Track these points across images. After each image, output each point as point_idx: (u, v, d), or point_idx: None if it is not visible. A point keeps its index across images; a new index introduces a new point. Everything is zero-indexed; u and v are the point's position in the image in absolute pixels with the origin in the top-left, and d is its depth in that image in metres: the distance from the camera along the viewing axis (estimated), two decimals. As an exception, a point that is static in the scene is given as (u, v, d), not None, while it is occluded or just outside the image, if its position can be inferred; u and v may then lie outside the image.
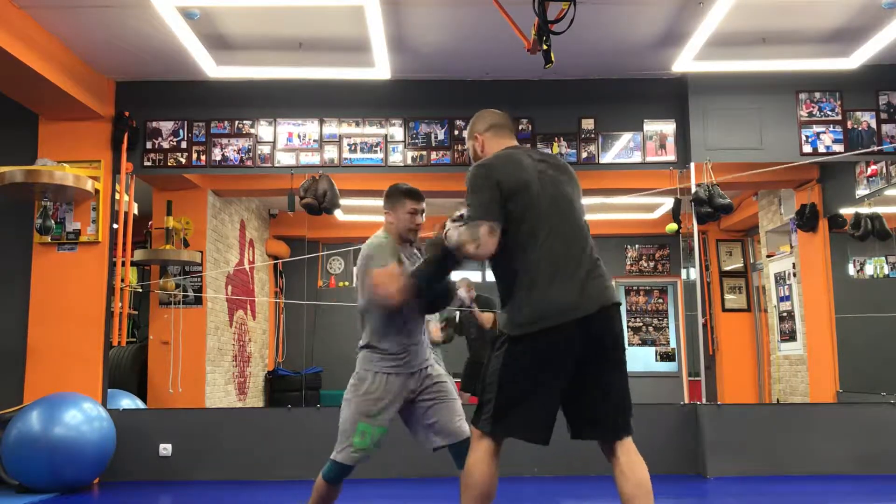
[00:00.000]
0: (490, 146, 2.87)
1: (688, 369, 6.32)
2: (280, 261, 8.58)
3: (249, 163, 5.71)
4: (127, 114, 5.61)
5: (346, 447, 3.13)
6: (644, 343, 8.81)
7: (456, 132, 5.73)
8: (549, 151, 2.75)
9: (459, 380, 6.65)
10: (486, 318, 6.55)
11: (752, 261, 8.01)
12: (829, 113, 5.62)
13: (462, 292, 6.44)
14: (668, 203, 6.19)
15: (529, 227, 2.59)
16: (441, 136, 5.73)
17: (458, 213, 2.78)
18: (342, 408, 3.25)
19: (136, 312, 7.18)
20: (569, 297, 2.54)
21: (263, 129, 5.73)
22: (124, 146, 5.57)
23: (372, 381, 3.13)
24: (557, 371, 2.56)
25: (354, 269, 3.33)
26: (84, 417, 4.85)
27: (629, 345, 8.76)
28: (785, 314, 7.06)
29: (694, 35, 4.89)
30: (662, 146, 5.73)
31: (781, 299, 7.13)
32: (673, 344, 8.66)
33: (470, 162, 2.93)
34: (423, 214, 3.33)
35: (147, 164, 5.71)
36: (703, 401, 5.57)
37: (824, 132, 5.60)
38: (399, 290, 3.04)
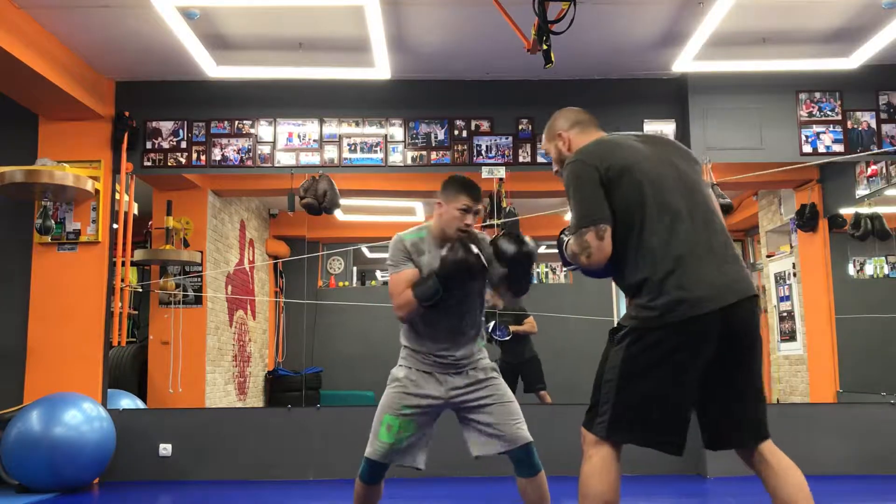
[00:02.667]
0: (578, 143, 2.59)
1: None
2: (280, 260, 8.58)
3: (249, 163, 5.71)
4: (127, 114, 5.61)
5: (372, 440, 2.92)
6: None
7: (456, 132, 5.73)
8: (655, 133, 2.59)
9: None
10: (528, 324, 6.48)
11: (751, 261, 8.01)
12: (829, 113, 5.62)
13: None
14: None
15: (646, 211, 2.31)
16: (441, 136, 5.73)
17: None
18: None
19: (136, 312, 7.18)
20: (701, 286, 2.24)
21: (263, 129, 5.73)
22: (124, 146, 5.57)
23: (404, 376, 2.94)
24: (688, 369, 2.27)
25: None
26: (84, 417, 4.85)
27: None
28: (785, 314, 7.06)
29: (694, 35, 4.89)
30: (662, 146, 5.72)
31: (781, 299, 7.13)
32: (673, 344, 8.64)
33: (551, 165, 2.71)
34: (477, 217, 2.97)
35: (147, 164, 5.71)
36: (703, 401, 5.56)
37: (824, 132, 5.60)
38: (401, 304, 2.86)
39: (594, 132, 2.61)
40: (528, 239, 2.85)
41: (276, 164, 5.72)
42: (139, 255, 6.57)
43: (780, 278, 7.17)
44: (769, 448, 2.34)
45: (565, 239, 2.53)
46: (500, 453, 2.91)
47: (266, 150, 5.71)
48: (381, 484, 2.97)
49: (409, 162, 5.72)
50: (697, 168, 2.51)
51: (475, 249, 2.75)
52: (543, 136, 2.76)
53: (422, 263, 2.91)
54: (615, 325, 2.38)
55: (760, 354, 2.38)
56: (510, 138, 5.72)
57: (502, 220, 5.78)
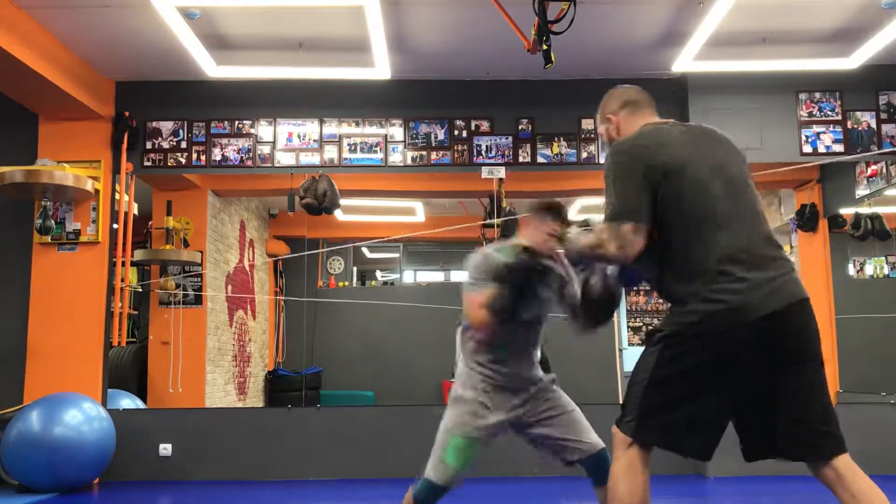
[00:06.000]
0: (628, 127, 2.47)
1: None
2: (280, 258, 8.59)
3: (249, 163, 5.70)
4: (127, 114, 5.61)
5: (438, 463, 2.77)
6: (644, 343, 8.81)
7: (456, 132, 5.73)
8: (704, 125, 2.48)
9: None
10: None
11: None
12: (829, 113, 5.62)
13: None
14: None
15: (690, 210, 2.21)
16: (441, 136, 5.73)
17: (582, 220, 2.53)
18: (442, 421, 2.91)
19: (136, 312, 7.18)
20: (745, 293, 2.13)
21: (263, 129, 5.73)
22: (124, 146, 5.57)
23: (473, 397, 2.81)
24: (722, 379, 2.16)
25: None
26: (84, 417, 4.85)
27: (629, 344, 8.76)
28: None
29: (694, 35, 4.89)
30: (662, 146, 5.72)
31: (781, 299, 7.13)
32: (673, 344, 8.64)
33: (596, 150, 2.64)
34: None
35: (147, 164, 5.71)
36: (703, 401, 5.56)
37: (824, 132, 5.60)
38: (478, 322, 2.73)
39: (645, 115, 2.48)
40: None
41: (276, 164, 5.71)
42: (139, 255, 6.57)
43: (780, 278, 7.17)
44: (844, 463, 2.20)
45: (575, 231, 2.46)
46: (572, 463, 2.83)
47: (266, 150, 5.71)
48: None
49: (409, 162, 5.72)
50: (744, 165, 2.40)
51: (540, 257, 2.70)
52: (598, 113, 2.65)
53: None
54: (654, 327, 2.31)
55: (816, 362, 2.24)
56: (510, 138, 5.71)
57: (502, 220, 5.78)
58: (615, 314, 2.88)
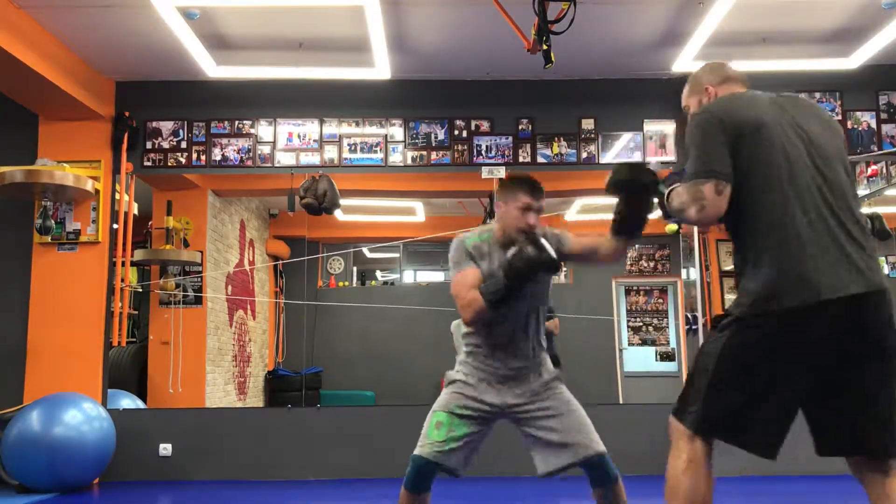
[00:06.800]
0: None
1: (688, 369, 6.31)
2: (280, 261, 8.59)
3: (249, 163, 5.71)
4: (127, 114, 5.61)
5: (420, 440, 2.71)
6: (644, 343, 8.81)
7: (456, 132, 5.73)
8: (798, 95, 2.32)
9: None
10: (552, 323, 6.45)
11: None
12: (830, 113, 5.62)
13: None
14: (668, 203, 6.18)
15: (771, 180, 2.07)
16: (441, 136, 5.73)
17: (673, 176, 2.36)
18: None
19: (136, 312, 7.18)
20: (826, 271, 1.98)
21: (263, 129, 5.73)
22: (124, 146, 5.57)
23: (462, 379, 2.77)
24: (800, 365, 2.01)
25: None
26: (84, 417, 4.85)
27: (629, 344, 8.76)
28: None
29: (694, 35, 4.89)
30: (662, 146, 5.73)
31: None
32: (673, 344, 8.65)
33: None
34: (539, 214, 2.76)
35: (147, 164, 5.71)
36: (703, 401, 5.56)
37: (824, 132, 5.60)
38: (466, 305, 2.65)
39: (741, 90, 2.37)
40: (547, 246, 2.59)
41: (276, 164, 5.72)
42: (139, 255, 6.57)
43: (780, 278, 7.18)
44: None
45: (665, 190, 2.33)
46: (569, 465, 2.69)
47: (266, 150, 5.71)
48: (427, 495, 2.72)
49: (409, 162, 5.72)
50: (839, 140, 2.22)
51: (545, 245, 2.58)
52: (685, 89, 2.53)
53: (482, 268, 2.73)
54: (721, 312, 2.15)
55: (893, 356, 2.06)
56: (510, 138, 5.72)
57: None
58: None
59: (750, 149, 2.09)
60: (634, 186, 2.50)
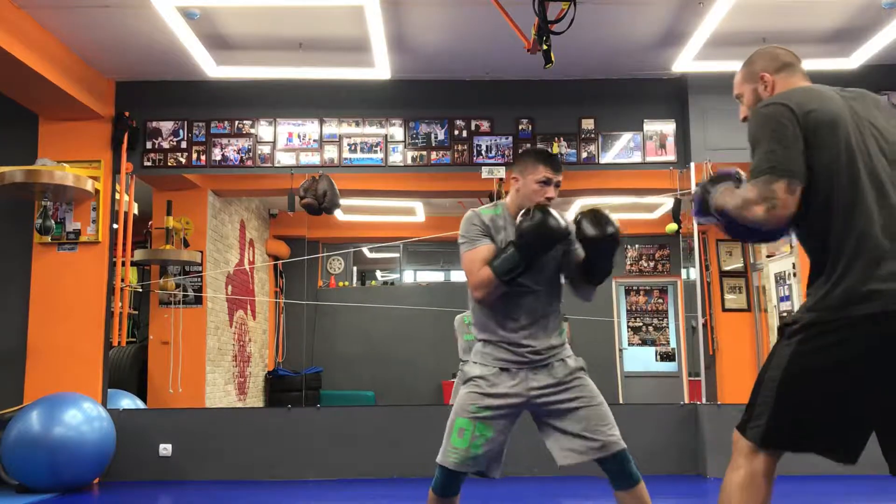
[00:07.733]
0: (782, 90, 2.21)
1: (688, 369, 6.31)
2: (280, 261, 8.59)
3: (249, 163, 5.71)
4: (127, 114, 5.61)
5: (444, 446, 2.60)
6: (644, 343, 8.81)
7: (456, 132, 5.73)
8: (868, 92, 2.19)
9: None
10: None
11: (752, 261, 8.01)
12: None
13: None
14: (668, 203, 6.19)
15: (844, 179, 1.95)
16: (441, 136, 5.73)
17: (726, 172, 2.25)
18: None
19: (136, 312, 7.18)
20: None
21: (263, 129, 5.73)
22: (124, 146, 5.57)
23: (479, 374, 2.63)
24: (871, 375, 1.90)
25: None
26: (84, 417, 4.85)
27: (629, 344, 8.77)
28: (785, 314, 7.06)
29: (694, 35, 4.89)
30: (662, 146, 5.73)
31: (782, 299, 7.13)
32: (673, 344, 8.66)
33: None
34: (557, 189, 2.69)
35: (147, 164, 5.71)
36: (703, 401, 5.57)
37: (824, 132, 5.59)
38: (478, 283, 2.57)
39: (799, 80, 2.23)
40: (612, 218, 2.57)
41: (276, 164, 5.72)
42: (139, 255, 6.57)
43: (780, 278, 7.17)
44: None
45: (712, 189, 2.17)
46: (589, 460, 2.59)
47: (266, 150, 5.71)
48: (455, 498, 2.64)
49: (409, 162, 5.72)
50: None
51: (555, 213, 2.51)
52: (738, 75, 2.40)
53: (499, 241, 2.63)
54: (790, 318, 2.00)
55: None
56: (510, 138, 5.72)
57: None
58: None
59: (824, 147, 1.96)
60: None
